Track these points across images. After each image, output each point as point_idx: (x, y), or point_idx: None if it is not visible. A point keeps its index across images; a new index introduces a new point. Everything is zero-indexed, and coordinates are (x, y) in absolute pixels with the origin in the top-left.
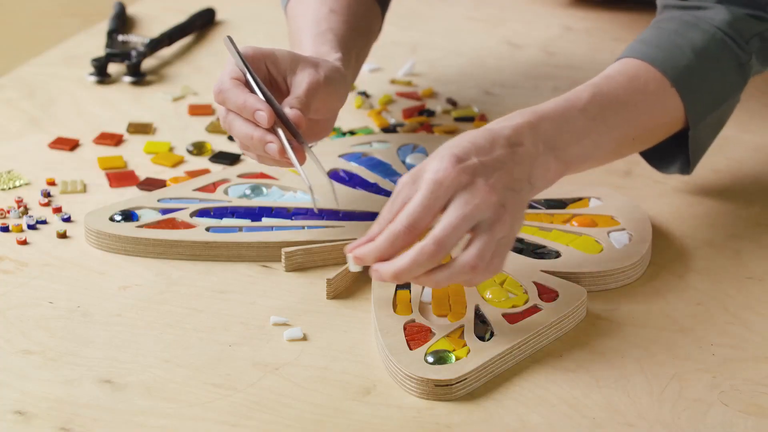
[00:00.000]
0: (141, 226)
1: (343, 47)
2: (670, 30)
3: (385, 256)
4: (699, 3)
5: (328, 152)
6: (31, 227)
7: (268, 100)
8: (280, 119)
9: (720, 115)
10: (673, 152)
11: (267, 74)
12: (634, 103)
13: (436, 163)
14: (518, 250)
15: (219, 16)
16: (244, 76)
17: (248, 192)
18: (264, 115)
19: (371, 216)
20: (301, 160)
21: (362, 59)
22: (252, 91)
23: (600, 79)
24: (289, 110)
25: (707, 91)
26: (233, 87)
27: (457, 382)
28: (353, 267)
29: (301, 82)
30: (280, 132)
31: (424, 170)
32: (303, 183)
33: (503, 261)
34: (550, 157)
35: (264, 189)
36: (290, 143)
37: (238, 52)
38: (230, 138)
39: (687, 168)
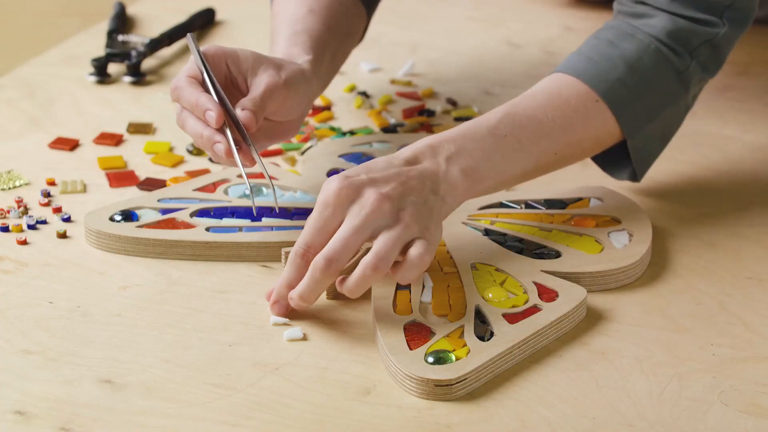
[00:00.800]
0: (141, 226)
1: (317, 49)
2: (605, 40)
3: (293, 282)
4: (644, 10)
5: (328, 152)
6: (31, 227)
7: (221, 100)
8: (231, 120)
9: (663, 124)
10: (623, 160)
11: (227, 73)
12: (551, 119)
13: (324, 185)
14: (518, 250)
15: (219, 16)
16: (202, 75)
17: (248, 192)
18: (213, 115)
19: None
20: (248, 162)
21: (340, 61)
22: (207, 90)
23: (519, 99)
24: (240, 112)
25: (642, 102)
26: (188, 85)
27: (457, 382)
28: (275, 319)
29: (259, 83)
30: (228, 133)
31: None
32: (245, 185)
33: (424, 256)
34: (455, 172)
35: (264, 189)
36: (239, 145)
37: (198, 50)
38: None
39: (635, 176)
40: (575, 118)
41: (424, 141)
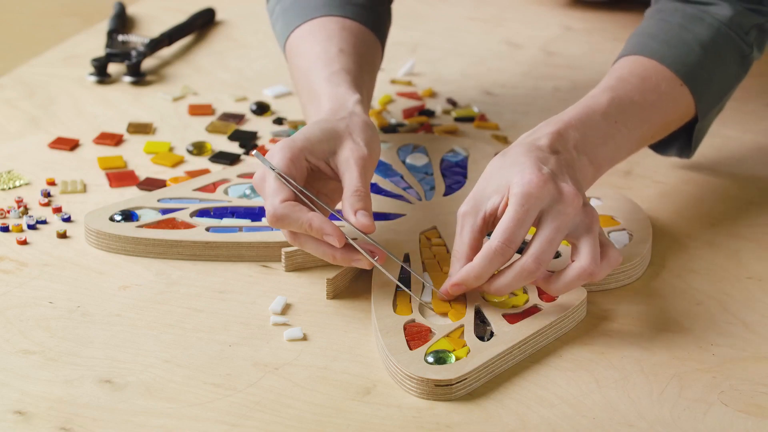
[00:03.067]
0: (141, 226)
1: (357, 87)
2: (675, 24)
3: (484, 276)
4: None
5: None
6: (31, 227)
7: (327, 212)
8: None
9: (722, 104)
10: (672, 136)
11: (309, 166)
12: (649, 103)
13: (519, 178)
14: (519, 250)
15: (219, 16)
16: (294, 194)
17: (248, 192)
18: (334, 240)
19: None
20: (381, 260)
21: (371, 97)
22: (304, 203)
23: (614, 82)
24: (355, 220)
25: (715, 85)
26: (291, 212)
27: (457, 382)
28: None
29: (349, 165)
30: (359, 248)
31: (489, 193)
32: (394, 281)
33: (619, 251)
34: (584, 160)
35: None
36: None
37: (274, 169)
38: (230, 138)
39: (687, 152)
40: (667, 102)
41: (550, 127)
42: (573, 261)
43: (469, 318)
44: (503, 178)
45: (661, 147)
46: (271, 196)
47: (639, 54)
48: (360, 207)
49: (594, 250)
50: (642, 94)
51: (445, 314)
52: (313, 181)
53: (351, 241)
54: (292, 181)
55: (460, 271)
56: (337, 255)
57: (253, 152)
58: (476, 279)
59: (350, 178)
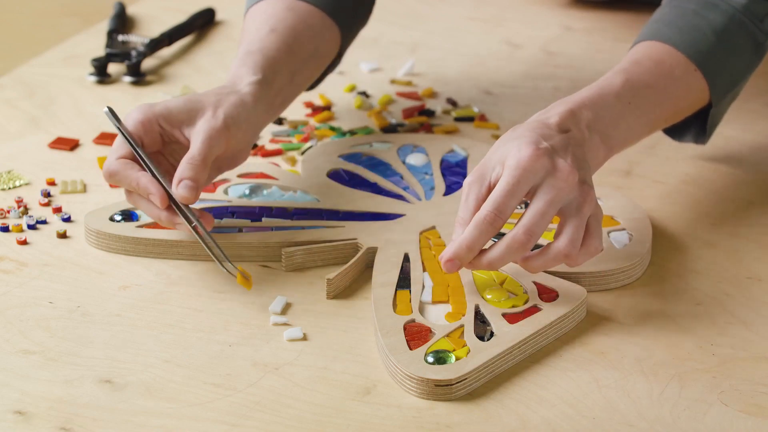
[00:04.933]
0: (141, 226)
1: (269, 69)
2: (689, 10)
3: (476, 246)
4: None
5: (328, 152)
6: (31, 227)
7: (156, 176)
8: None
9: (737, 90)
10: (688, 122)
11: (163, 132)
12: (662, 87)
13: (513, 150)
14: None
15: (219, 16)
16: (133, 150)
17: (248, 192)
18: (157, 199)
19: (371, 216)
20: (208, 227)
21: (303, 82)
22: (143, 165)
23: (629, 65)
24: (177, 190)
25: (728, 71)
26: (123, 168)
27: (457, 382)
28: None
29: (197, 134)
30: (184, 211)
31: (493, 163)
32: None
33: (601, 239)
34: (596, 139)
35: (264, 189)
36: (192, 216)
37: (120, 127)
38: None
39: (702, 138)
40: (680, 86)
41: (563, 106)
42: (553, 241)
43: (469, 318)
44: (505, 152)
45: (677, 133)
46: (111, 152)
47: (653, 39)
48: (188, 176)
49: (575, 233)
50: (655, 77)
51: (443, 301)
52: (173, 151)
53: (174, 205)
54: (131, 141)
55: (451, 244)
56: (162, 216)
57: (104, 109)
58: (468, 250)
59: (193, 146)
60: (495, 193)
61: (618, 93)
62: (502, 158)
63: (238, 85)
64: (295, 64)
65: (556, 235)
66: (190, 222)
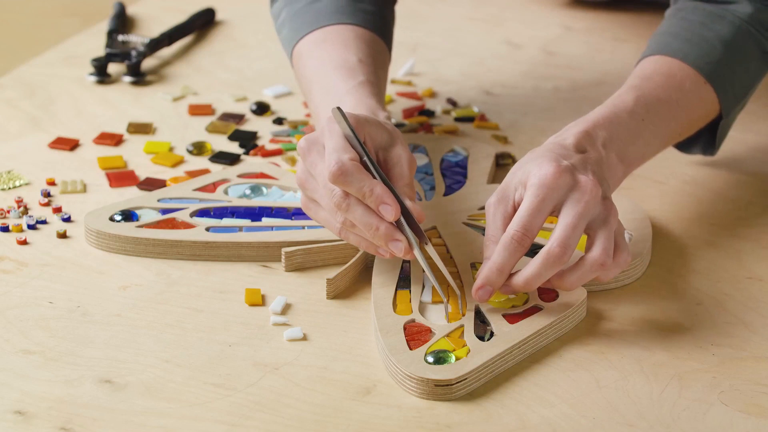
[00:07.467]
0: (141, 226)
1: (380, 100)
2: (696, 22)
3: (506, 268)
4: None
5: None
6: (31, 227)
7: (388, 187)
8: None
9: (745, 101)
10: (696, 135)
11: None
12: (675, 101)
13: (536, 170)
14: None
15: (219, 16)
16: (360, 157)
17: (248, 192)
18: (391, 210)
19: None
20: (410, 255)
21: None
22: (372, 174)
23: (639, 81)
24: (411, 204)
25: (738, 82)
26: (356, 171)
27: (457, 382)
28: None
29: (400, 160)
30: (407, 229)
31: (515, 185)
32: (431, 281)
33: (629, 252)
34: (612, 158)
35: (264, 189)
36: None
37: (351, 128)
38: (230, 138)
39: (711, 150)
40: (691, 100)
41: (578, 127)
42: (586, 253)
43: (469, 318)
44: (526, 172)
45: (685, 146)
46: (338, 151)
47: (661, 53)
48: (410, 196)
49: (608, 243)
50: (667, 92)
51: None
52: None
53: (402, 220)
54: (364, 146)
55: (481, 269)
56: (381, 228)
57: (332, 109)
58: (499, 273)
59: (401, 171)
60: (520, 212)
61: (631, 110)
62: (523, 179)
63: (379, 116)
64: (383, 91)
65: (587, 249)
66: (421, 238)
